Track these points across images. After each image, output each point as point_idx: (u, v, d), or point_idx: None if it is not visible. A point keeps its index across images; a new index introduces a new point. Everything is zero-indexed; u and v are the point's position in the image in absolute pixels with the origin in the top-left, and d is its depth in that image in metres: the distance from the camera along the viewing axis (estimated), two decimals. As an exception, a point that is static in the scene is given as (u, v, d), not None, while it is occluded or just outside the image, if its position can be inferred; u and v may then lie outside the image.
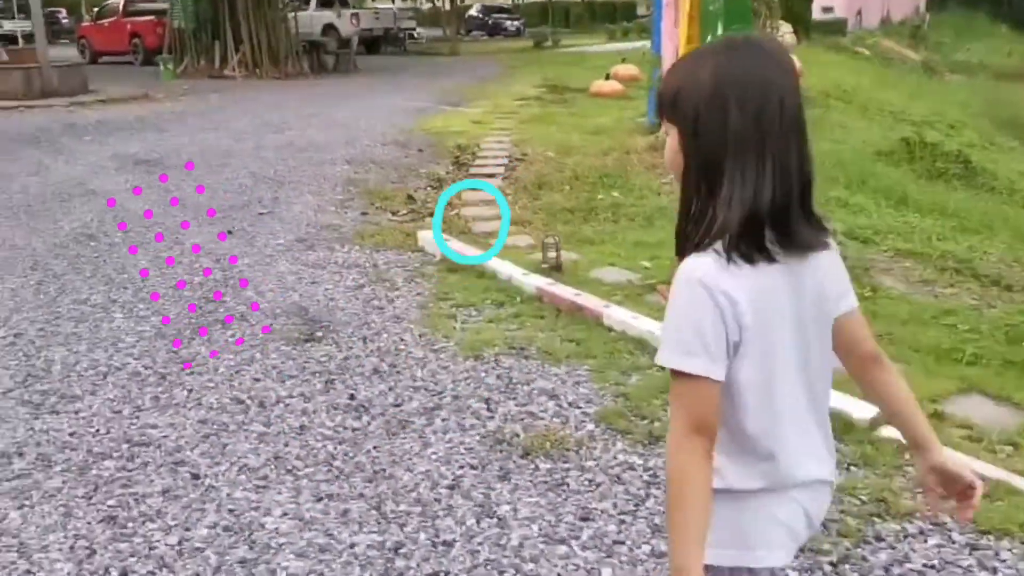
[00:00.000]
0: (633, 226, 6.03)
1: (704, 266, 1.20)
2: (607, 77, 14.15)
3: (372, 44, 28.82)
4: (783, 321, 1.25)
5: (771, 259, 1.21)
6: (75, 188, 7.76)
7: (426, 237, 5.72)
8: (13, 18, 25.63)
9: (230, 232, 6.20)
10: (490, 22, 44.62)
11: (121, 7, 25.66)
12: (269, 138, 10.36)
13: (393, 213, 6.76)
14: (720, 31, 7.10)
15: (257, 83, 18.81)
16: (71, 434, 3.23)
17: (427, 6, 45.86)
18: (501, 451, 3.03)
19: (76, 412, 3.41)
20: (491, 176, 7.90)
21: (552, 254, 4.90)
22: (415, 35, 37.13)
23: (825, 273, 1.30)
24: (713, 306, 1.19)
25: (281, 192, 7.49)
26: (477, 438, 3.14)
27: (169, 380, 3.71)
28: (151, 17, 24.54)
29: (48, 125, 11.93)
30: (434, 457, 3.02)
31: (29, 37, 21.54)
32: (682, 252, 1.25)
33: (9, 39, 25.06)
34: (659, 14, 10.35)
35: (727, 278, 1.19)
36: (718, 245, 1.20)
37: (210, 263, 5.46)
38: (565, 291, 4.48)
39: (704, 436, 1.21)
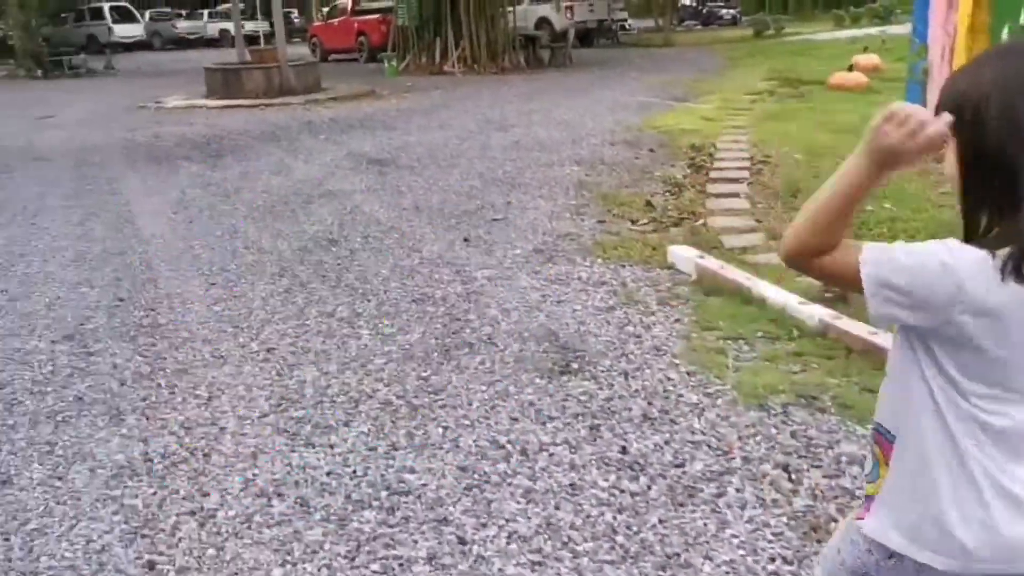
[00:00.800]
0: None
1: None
2: (850, 68, 12.98)
3: (585, 36, 28.50)
4: None
5: None
6: (314, 188, 7.89)
7: (676, 252, 5.23)
8: (254, 19, 27.38)
9: (467, 240, 5.99)
10: (704, 11, 43.19)
11: (349, 6, 26.83)
12: (495, 137, 10.21)
13: (633, 222, 6.30)
14: None
15: (476, 78, 18.96)
16: (328, 473, 3.02)
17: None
18: (818, 540, 2.50)
19: (331, 447, 3.21)
20: (735, 181, 7.28)
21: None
22: (627, 26, 36.56)
23: None
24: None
25: (512, 195, 7.24)
26: (784, 519, 2.62)
27: (422, 414, 3.44)
28: (376, 15, 25.46)
29: (287, 123, 12.44)
30: (735, 541, 2.53)
31: (268, 37, 23.02)
32: None
33: (250, 39, 26.90)
34: (925, -2, 9.26)
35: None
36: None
37: (450, 275, 5.24)
38: (857, 327, 3.84)
39: None
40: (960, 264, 1.15)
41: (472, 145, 9.72)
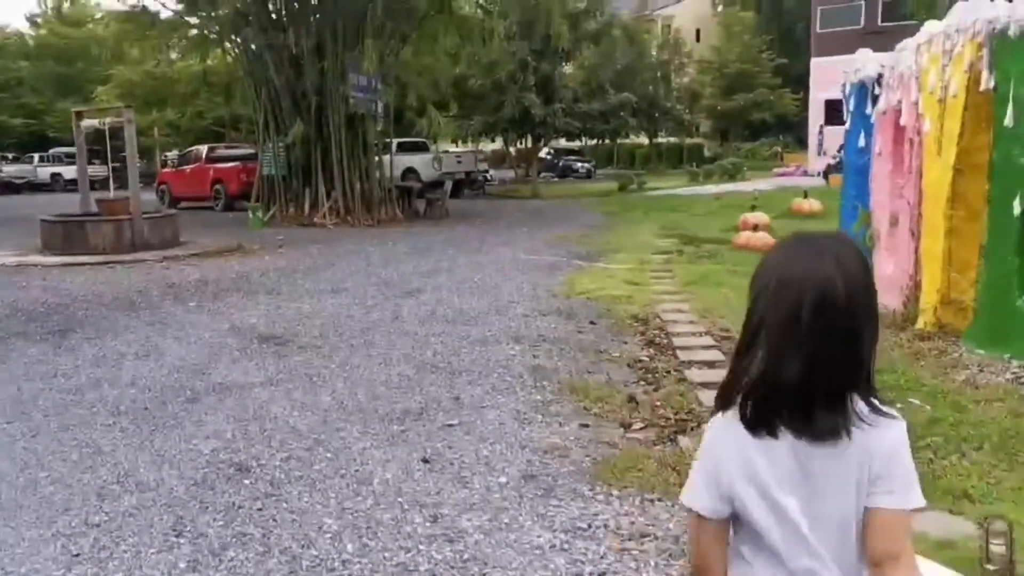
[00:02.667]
0: (1004, 466, 4.24)
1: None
2: (755, 229, 12.66)
3: (453, 187, 28.14)
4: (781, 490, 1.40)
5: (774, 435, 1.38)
6: (198, 379, 6.26)
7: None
8: (91, 163, 25.38)
9: (426, 461, 4.57)
10: (560, 164, 44.28)
11: (204, 153, 25.36)
12: (405, 305, 8.91)
13: (625, 427, 5.08)
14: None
15: (351, 231, 17.77)
16: None
17: (492, 148, 45.83)
18: None
19: None
20: (712, 366, 6.26)
21: (999, 547, 3.14)
22: (488, 177, 36.78)
23: (872, 460, 1.38)
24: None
25: (458, 387, 5.90)
26: None
27: None
28: (235, 163, 24.09)
29: (145, 286, 10.68)
30: None
31: (104, 182, 20.80)
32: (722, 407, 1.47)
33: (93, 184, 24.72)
34: (858, 153, 8.91)
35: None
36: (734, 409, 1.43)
37: (425, 523, 3.79)
38: None
39: None
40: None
41: (381, 316, 8.37)
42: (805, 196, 17.46)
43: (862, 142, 8.82)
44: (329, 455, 4.66)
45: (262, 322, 8.24)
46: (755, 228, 13.97)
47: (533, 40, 26.04)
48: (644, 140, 47.21)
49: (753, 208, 15.43)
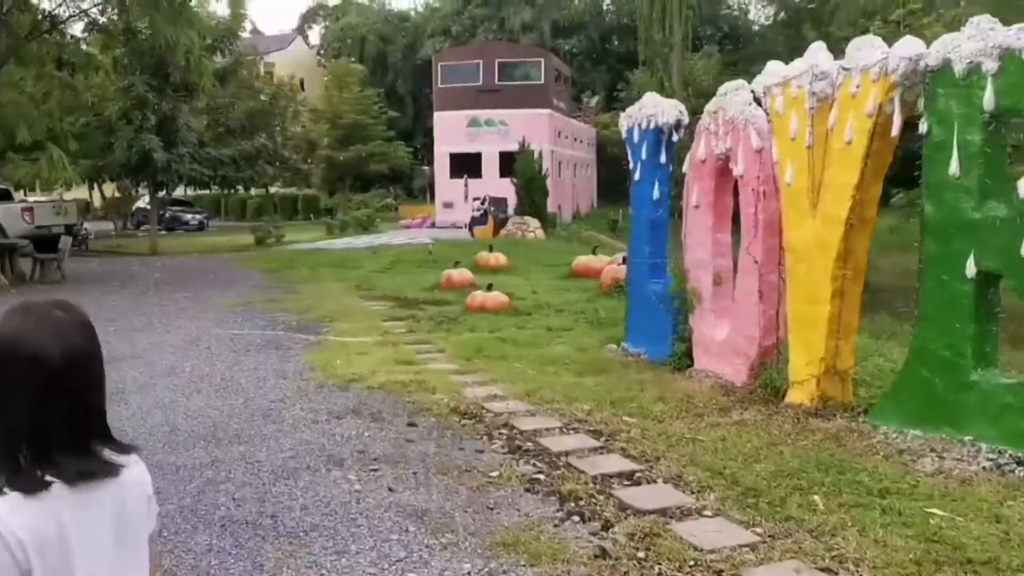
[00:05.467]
0: None
1: None
2: (489, 287, 11.49)
3: (50, 243, 23.34)
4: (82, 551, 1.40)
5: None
6: None
7: None
8: None
9: None
10: (166, 215, 39.76)
11: None
12: (121, 424, 6.19)
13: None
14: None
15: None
16: None
17: (72, 197, 39.82)
18: None
19: None
20: (637, 480, 4.84)
21: None
22: (87, 232, 31.65)
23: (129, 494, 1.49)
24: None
25: (325, 566, 3.77)
26: None
27: None
28: None
29: None
30: None
31: None
32: None
33: None
34: (652, 205, 8.21)
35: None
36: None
37: None
38: None
39: None
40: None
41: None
42: (491, 249, 16.87)
43: (657, 194, 8.11)
44: None
45: None
46: (471, 286, 12.95)
47: (152, 74, 22.68)
48: (253, 191, 44.43)
49: (456, 264, 14.40)
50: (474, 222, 26.78)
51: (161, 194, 28.88)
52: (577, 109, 46.07)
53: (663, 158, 8.01)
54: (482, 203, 27.10)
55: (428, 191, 51.96)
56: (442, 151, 36.78)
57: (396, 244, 24.97)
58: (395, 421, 6.03)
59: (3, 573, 1.31)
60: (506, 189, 28.66)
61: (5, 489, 1.36)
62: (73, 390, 1.44)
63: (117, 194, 40.84)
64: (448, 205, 35.87)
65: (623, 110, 8.76)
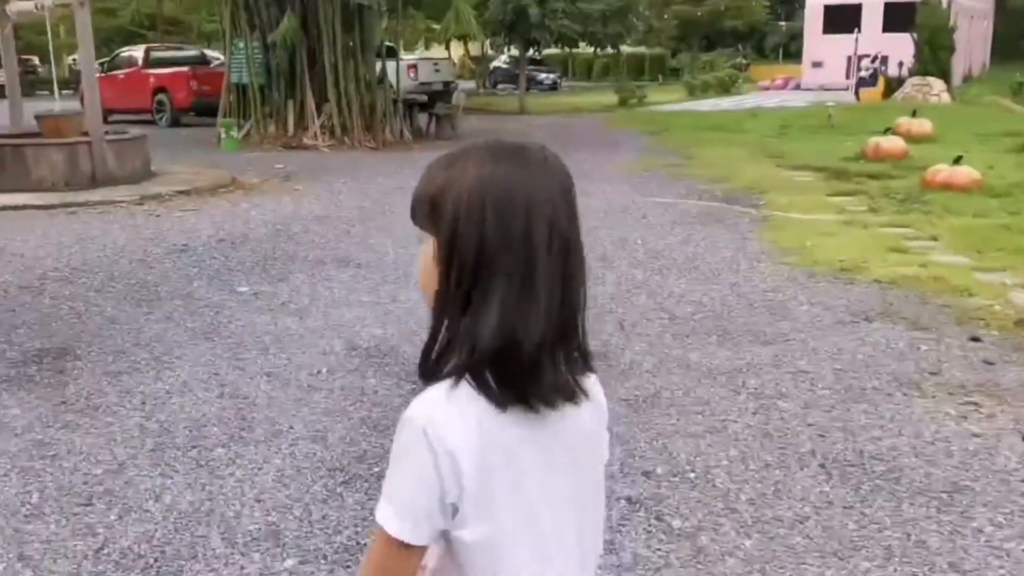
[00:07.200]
0: None
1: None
2: (958, 159, 9.61)
3: (428, 101, 24.28)
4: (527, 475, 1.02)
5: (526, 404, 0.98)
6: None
7: None
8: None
9: None
10: (518, 74, 40.25)
11: (142, 57, 20.82)
12: (609, 300, 5.63)
13: None
14: None
15: (351, 154, 14.16)
16: None
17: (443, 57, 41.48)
18: None
19: None
20: None
21: None
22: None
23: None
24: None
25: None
26: None
27: None
28: (184, 68, 19.77)
29: (145, 249, 7.06)
30: None
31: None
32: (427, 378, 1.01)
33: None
34: None
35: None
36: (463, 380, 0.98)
37: None
38: None
39: None
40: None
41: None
42: (914, 114, 14.56)
43: None
44: None
45: (380, 328, 4.89)
46: (903, 155, 11.18)
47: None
48: (589, 50, 43.44)
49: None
50: (861, 83, 23.84)
51: (530, 53, 28.89)
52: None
53: None
54: (872, 61, 23.98)
55: (782, 50, 47.95)
56: (815, 3, 33.22)
57: (769, 107, 23.00)
58: (946, 331, 4.83)
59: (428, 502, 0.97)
60: (889, 46, 25.14)
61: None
62: (571, 277, 1.01)
63: (477, 53, 42.09)
64: (817, 64, 32.62)
65: None
